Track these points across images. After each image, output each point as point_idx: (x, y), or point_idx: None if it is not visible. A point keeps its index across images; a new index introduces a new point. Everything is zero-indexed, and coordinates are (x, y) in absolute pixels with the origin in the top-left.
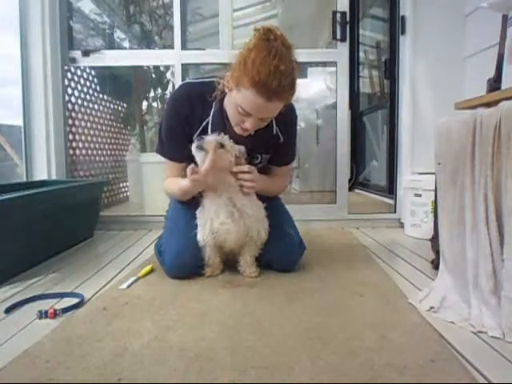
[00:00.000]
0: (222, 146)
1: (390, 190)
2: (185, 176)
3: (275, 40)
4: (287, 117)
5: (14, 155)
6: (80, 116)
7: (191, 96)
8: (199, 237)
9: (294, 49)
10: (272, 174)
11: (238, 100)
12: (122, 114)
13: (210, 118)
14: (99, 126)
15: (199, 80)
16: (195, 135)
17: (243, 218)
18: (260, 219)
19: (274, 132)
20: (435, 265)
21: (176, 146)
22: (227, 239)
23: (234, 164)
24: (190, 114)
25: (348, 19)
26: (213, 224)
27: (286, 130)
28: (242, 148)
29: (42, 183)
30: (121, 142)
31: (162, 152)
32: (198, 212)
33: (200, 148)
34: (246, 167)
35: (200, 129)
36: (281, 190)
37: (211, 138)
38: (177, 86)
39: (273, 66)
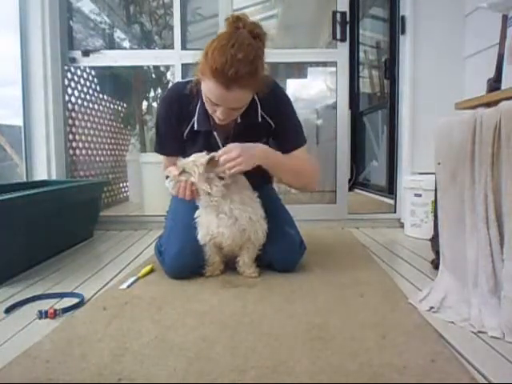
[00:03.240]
0: (183, 171)
1: (390, 189)
2: None
3: (243, 27)
4: (270, 99)
5: (14, 155)
6: (80, 116)
7: (180, 95)
8: (199, 236)
9: (265, 38)
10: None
11: (204, 90)
12: (122, 114)
13: (196, 113)
14: (99, 126)
15: (187, 79)
16: (186, 132)
17: (237, 223)
18: (257, 220)
19: (260, 119)
20: (435, 265)
21: (170, 144)
22: (223, 242)
23: (203, 182)
24: (179, 113)
25: (348, 19)
26: (209, 228)
27: (275, 113)
28: (204, 160)
29: (42, 183)
30: (121, 142)
31: (159, 151)
32: (196, 214)
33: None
34: (218, 153)
35: (189, 126)
36: (312, 171)
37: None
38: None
39: (230, 54)
